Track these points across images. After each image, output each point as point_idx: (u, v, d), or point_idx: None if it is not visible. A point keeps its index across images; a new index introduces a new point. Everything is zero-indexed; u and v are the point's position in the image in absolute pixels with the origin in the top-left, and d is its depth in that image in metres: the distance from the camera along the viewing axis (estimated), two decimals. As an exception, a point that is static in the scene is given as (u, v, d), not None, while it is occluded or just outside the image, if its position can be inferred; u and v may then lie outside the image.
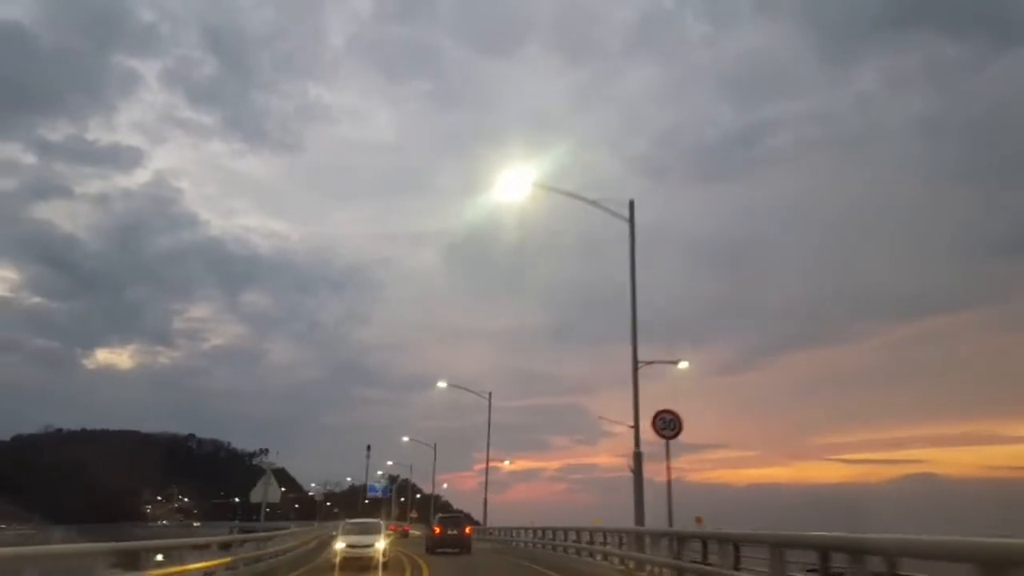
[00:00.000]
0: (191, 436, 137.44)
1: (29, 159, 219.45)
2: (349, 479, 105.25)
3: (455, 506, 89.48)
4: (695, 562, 10.18)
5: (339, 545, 17.64)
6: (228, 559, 12.50)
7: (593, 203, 14.45)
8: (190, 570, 10.95)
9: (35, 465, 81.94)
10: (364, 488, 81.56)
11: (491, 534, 36.11)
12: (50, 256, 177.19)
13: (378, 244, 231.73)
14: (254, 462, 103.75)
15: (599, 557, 16.67)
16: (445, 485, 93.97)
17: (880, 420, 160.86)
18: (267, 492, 20.13)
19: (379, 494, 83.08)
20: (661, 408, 14.19)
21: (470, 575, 18.54)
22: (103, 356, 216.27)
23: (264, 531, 18.95)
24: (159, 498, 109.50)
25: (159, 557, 11.83)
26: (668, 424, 14.10)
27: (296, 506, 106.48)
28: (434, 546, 26.48)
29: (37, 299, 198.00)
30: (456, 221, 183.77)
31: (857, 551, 6.01)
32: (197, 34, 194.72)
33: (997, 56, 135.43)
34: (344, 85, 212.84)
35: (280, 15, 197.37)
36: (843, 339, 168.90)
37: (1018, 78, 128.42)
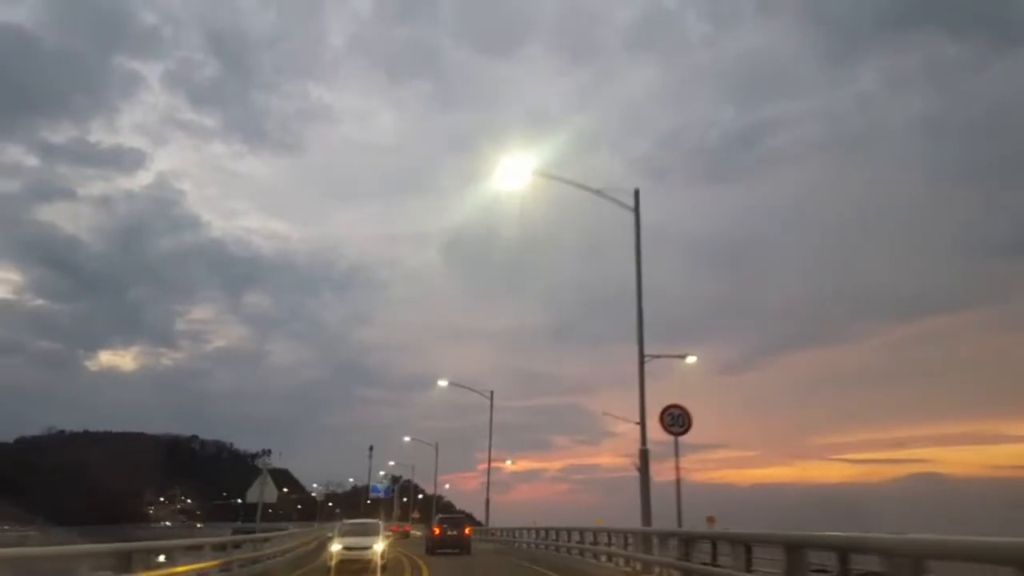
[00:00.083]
0: (194, 437, 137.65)
1: (32, 161, 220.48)
2: (351, 480, 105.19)
3: (458, 507, 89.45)
4: (704, 563, 9.81)
5: (335, 547, 16.90)
6: (215, 562, 11.96)
7: (597, 192, 14.03)
8: (179, 572, 10.56)
9: (38, 467, 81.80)
10: (366, 489, 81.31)
11: (493, 535, 35.74)
12: (53, 258, 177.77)
13: (380, 244, 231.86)
14: (256, 463, 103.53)
15: (604, 558, 16.24)
16: (447, 486, 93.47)
17: (881, 420, 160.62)
18: (263, 492, 19.73)
19: (381, 495, 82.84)
20: (669, 403, 13.68)
21: (470, 576, 18.19)
22: (106, 358, 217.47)
23: (261, 532, 18.50)
24: (162, 499, 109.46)
25: (162, 558, 11.56)
26: (677, 420, 13.53)
27: (299, 507, 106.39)
28: (434, 547, 26.40)
29: (40, 301, 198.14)
30: (457, 221, 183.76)
31: (886, 553, 5.64)
32: (199, 36, 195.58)
33: (998, 56, 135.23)
34: (345, 86, 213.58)
35: (281, 17, 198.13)
36: (843, 339, 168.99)
37: (1018, 78, 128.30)
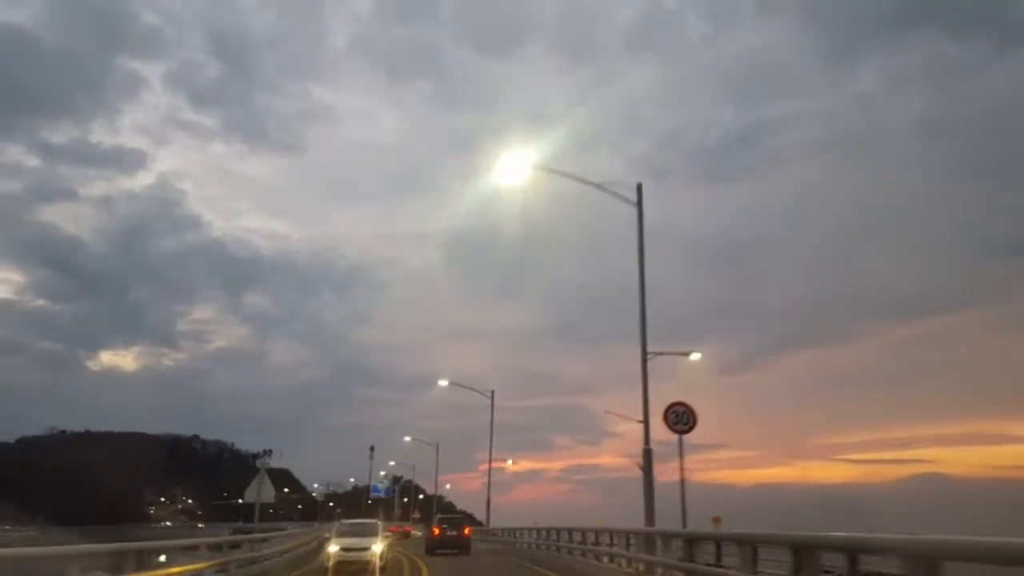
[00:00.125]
0: (195, 437, 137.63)
1: (33, 161, 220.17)
2: (352, 480, 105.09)
3: (459, 507, 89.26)
4: (709, 565, 9.59)
5: (332, 548, 16.34)
6: (208, 563, 11.70)
7: (599, 186, 13.80)
8: (174, 573, 10.36)
9: (39, 467, 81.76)
10: (367, 489, 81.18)
11: (495, 535, 35.56)
12: (54, 258, 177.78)
13: (380, 244, 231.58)
14: (256, 463, 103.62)
15: (606, 559, 16.02)
16: (448, 486, 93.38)
17: (883, 420, 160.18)
18: (261, 492, 19.52)
19: (382, 495, 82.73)
20: (673, 400, 13.40)
21: (470, 576, 17.97)
22: (107, 358, 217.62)
23: (259, 532, 18.27)
24: (163, 499, 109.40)
25: (162, 558, 11.28)
26: (681, 417, 13.23)
27: (299, 507, 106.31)
28: (433, 547, 26.41)
29: (41, 301, 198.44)
30: (458, 221, 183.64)
31: (910, 554, 5.43)
32: (200, 36, 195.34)
33: (998, 56, 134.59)
34: (345, 86, 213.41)
35: (282, 17, 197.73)
36: (843, 339, 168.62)
37: (1019, 78, 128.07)
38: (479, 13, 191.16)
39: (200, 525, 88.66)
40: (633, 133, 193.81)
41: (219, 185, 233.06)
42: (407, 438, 65.25)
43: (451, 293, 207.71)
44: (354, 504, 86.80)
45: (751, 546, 8.14)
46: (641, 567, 12.39)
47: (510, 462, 62.65)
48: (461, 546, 26.30)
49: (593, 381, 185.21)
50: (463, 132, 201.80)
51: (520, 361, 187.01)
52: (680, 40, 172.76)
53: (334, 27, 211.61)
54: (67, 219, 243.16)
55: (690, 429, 13.15)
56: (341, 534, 17.34)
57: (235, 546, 15.83)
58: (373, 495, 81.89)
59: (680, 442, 13.16)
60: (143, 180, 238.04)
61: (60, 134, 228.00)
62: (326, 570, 15.94)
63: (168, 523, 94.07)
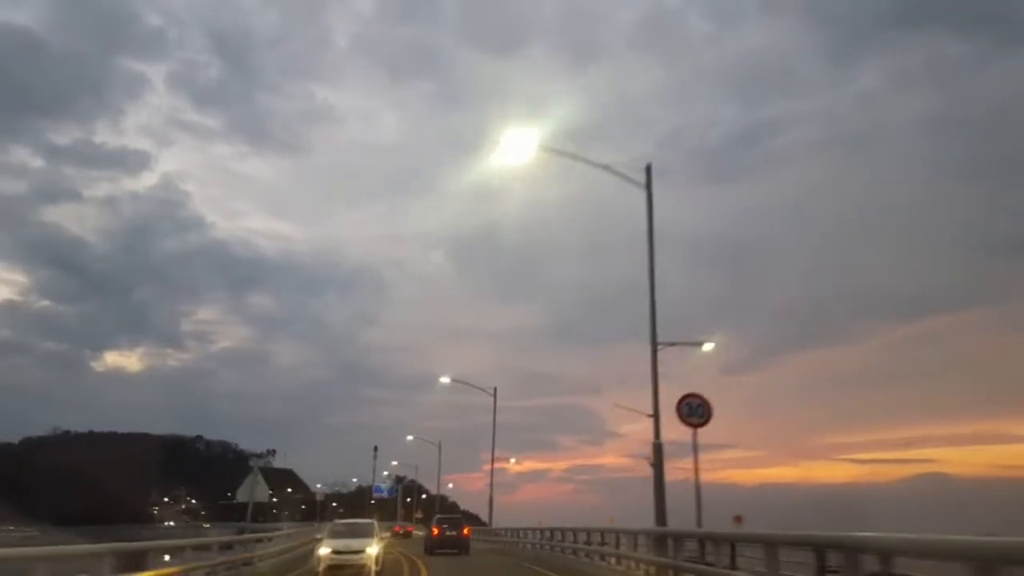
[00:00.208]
0: (199, 438, 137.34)
1: (37, 163, 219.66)
2: (355, 480, 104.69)
3: (462, 507, 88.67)
4: (724, 567, 8.97)
5: (324, 551, 14.94)
6: (184, 566, 11.00)
7: (606, 167, 13.15)
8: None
9: (43, 467, 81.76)
10: (370, 489, 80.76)
11: (498, 535, 35.01)
12: (59, 259, 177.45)
13: (383, 245, 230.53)
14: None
15: (612, 560, 15.35)
16: (451, 485, 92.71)
17: (884, 420, 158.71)
18: (254, 491, 18.88)
19: (385, 495, 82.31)
20: (687, 392, 12.63)
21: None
22: (112, 359, 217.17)
23: (252, 533, 17.58)
24: (166, 500, 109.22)
25: (167, 557, 10.90)
26: (695, 410, 12.44)
27: (303, 507, 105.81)
28: (433, 547, 26.39)
29: (46, 302, 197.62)
30: (460, 221, 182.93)
31: (947, 555, 4.80)
32: (202, 37, 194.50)
33: (1000, 56, 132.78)
34: (348, 86, 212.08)
35: (284, 17, 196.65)
36: (843, 339, 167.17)
37: (1020, 78, 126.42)
38: (481, 13, 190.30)
39: (206, 525, 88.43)
40: (634, 133, 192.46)
41: (222, 186, 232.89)
42: (409, 437, 64.83)
43: (453, 293, 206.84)
44: (357, 504, 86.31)
45: (771, 546, 7.49)
46: (653, 569, 11.71)
47: (512, 461, 62.16)
48: (460, 546, 26.21)
49: (595, 381, 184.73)
50: (465, 132, 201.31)
51: (521, 361, 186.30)
52: (682, 40, 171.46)
53: (336, 27, 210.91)
54: (71, 220, 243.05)
55: (705, 422, 12.38)
56: (334, 535, 16.01)
57: (228, 547, 15.11)
58: (376, 495, 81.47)
59: (694, 436, 12.41)
60: (147, 181, 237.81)
61: (64, 135, 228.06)
62: (317, 574, 14.84)
63: (171, 523, 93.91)
